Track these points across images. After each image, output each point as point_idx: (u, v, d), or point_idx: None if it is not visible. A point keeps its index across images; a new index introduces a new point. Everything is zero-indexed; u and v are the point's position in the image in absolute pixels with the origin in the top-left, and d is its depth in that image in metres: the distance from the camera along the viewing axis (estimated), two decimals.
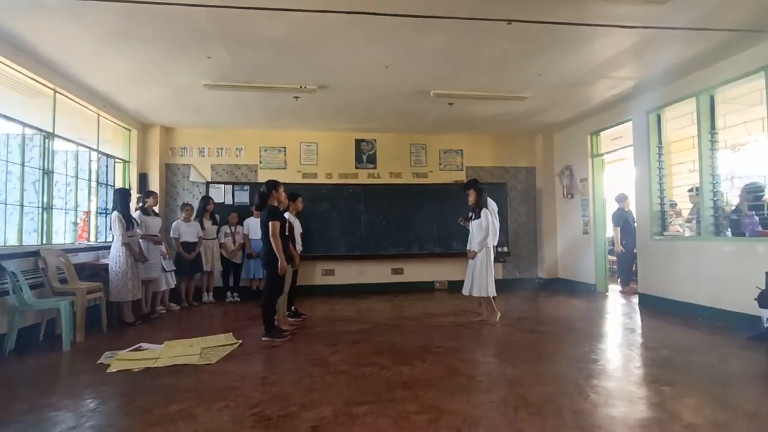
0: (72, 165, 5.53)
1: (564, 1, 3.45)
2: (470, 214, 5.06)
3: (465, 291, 5.02)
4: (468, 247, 5.10)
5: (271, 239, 4.28)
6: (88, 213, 5.88)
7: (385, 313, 5.72)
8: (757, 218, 4.70)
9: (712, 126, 5.06)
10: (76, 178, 5.57)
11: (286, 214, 5.03)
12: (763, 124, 4.52)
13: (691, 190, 5.63)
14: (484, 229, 4.86)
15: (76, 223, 5.54)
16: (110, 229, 5.49)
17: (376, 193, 7.73)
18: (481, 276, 4.85)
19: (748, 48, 4.46)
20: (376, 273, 7.81)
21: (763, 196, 4.68)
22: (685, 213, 5.87)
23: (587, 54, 4.60)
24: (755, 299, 4.20)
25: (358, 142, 7.99)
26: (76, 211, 5.54)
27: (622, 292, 7.05)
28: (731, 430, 2.30)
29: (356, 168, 7.96)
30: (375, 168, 8.00)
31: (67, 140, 5.32)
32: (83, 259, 5.27)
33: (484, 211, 4.89)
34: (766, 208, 4.53)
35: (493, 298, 4.95)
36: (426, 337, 4.37)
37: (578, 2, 3.49)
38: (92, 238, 5.95)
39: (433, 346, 4.01)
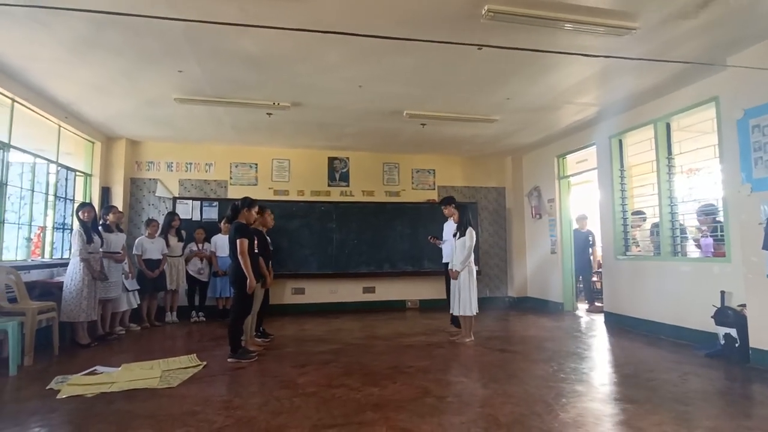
0: (28, 177, 5.27)
1: (532, 30, 3.60)
2: (455, 232, 5.07)
3: (452, 310, 5.07)
4: (450, 267, 5.10)
5: (239, 257, 4.17)
6: (43, 228, 5.57)
7: (356, 332, 5.63)
8: (711, 239, 4.94)
9: (669, 152, 5.33)
10: (32, 191, 5.29)
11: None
12: (714, 150, 4.80)
13: (635, 213, 5.90)
14: (467, 248, 4.87)
15: (29, 239, 5.23)
16: (68, 248, 5.22)
17: (348, 211, 7.70)
18: (464, 295, 4.87)
19: (700, 80, 4.77)
20: (348, 292, 7.72)
21: (716, 217, 4.93)
22: (638, 234, 6.11)
23: (553, 81, 4.79)
24: (712, 317, 4.38)
25: (331, 160, 7.98)
26: (30, 226, 5.25)
27: (588, 310, 7.22)
28: None
29: (329, 186, 7.93)
30: (348, 186, 7.99)
31: (24, 151, 5.08)
32: (36, 277, 4.96)
33: (469, 230, 4.91)
34: (719, 230, 4.77)
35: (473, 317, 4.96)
36: (397, 357, 4.32)
37: (545, 32, 3.65)
38: (47, 255, 5.64)
39: (404, 366, 3.96)
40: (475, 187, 8.51)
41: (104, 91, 5.02)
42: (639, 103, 5.49)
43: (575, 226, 7.58)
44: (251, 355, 4.23)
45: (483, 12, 3.33)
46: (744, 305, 4.13)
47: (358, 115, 5.98)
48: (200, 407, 2.95)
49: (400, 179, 8.20)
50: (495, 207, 8.57)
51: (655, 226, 5.59)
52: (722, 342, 4.25)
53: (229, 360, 4.13)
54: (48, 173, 5.64)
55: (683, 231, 5.27)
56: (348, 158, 8.03)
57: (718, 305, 4.38)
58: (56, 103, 5.37)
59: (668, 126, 5.37)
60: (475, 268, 5.02)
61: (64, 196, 6.01)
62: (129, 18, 3.33)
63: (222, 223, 6.57)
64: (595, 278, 7.77)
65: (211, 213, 7.20)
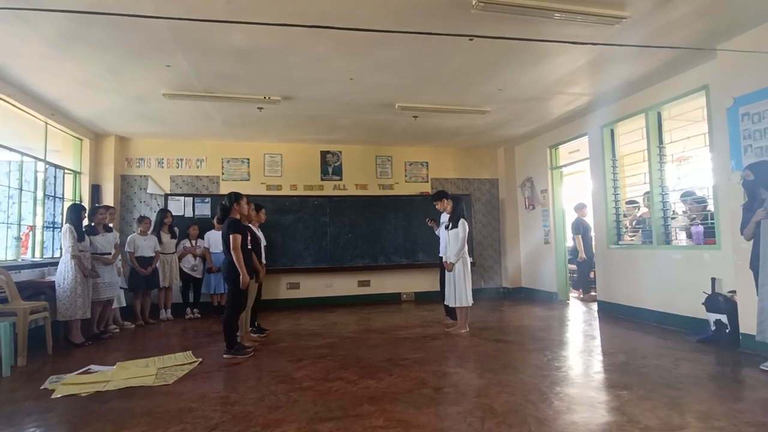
0: (16, 176, 5.19)
1: (522, 20, 3.59)
2: (448, 223, 5.08)
3: (447, 302, 5.08)
4: (444, 259, 5.11)
5: (232, 253, 4.15)
6: (32, 227, 5.50)
7: (351, 326, 5.65)
8: (701, 227, 4.99)
9: (660, 141, 5.36)
10: (20, 189, 5.22)
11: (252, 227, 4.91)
12: (704, 139, 4.83)
13: (629, 203, 5.95)
14: (461, 239, 4.88)
15: (18, 238, 5.17)
16: (59, 246, 5.16)
17: (341, 205, 7.69)
18: (459, 286, 4.89)
19: (690, 68, 4.79)
20: (343, 285, 7.73)
21: (707, 206, 4.98)
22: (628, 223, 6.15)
23: (545, 71, 4.78)
24: (703, 304, 4.44)
25: (324, 154, 7.94)
26: (19, 225, 5.18)
27: (581, 299, 7.28)
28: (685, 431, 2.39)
29: (321, 180, 7.90)
30: (341, 180, 7.96)
31: (10, 149, 4.99)
32: (27, 277, 4.91)
33: (462, 221, 4.92)
34: (709, 218, 4.82)
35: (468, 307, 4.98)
36: (393, 349, 4.34)
37: (536, 22, 3.63)
38: (38, 254, 5.57)
39: (400, 358, 3.98)
40: (468, 179, 8.52)
41: (91, 87, 4.94)
42: (630, 93, 5.51)
43: (576, 214, 7.62)
44: (247, 350, 4.22)
45: (473, 2, 3.31)
46: (734, 291, 4.19)
47: (350, 108, 5.94)
48: (197, 404, 2.94)
49: (393, 172, 8.19)
50: (488, 198, 8.60)
51: (640, 221, 5.66)
52: (713, 328, 4.31)
53: (224, 356, 4.12)
54: (36, 171, 5.56)
55: (674, 219, 5.32)
56: (341, 152, 7.99)
57: (709, 292, 4.44)
58: (41, 100, 5.28)
59: (659, 115, 5.39)
60: (469, 260, 5.04)
61: (53, 194, 5.93)
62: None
63: (215, 222, 6.53)
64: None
65: (204, 209, 7.15)
